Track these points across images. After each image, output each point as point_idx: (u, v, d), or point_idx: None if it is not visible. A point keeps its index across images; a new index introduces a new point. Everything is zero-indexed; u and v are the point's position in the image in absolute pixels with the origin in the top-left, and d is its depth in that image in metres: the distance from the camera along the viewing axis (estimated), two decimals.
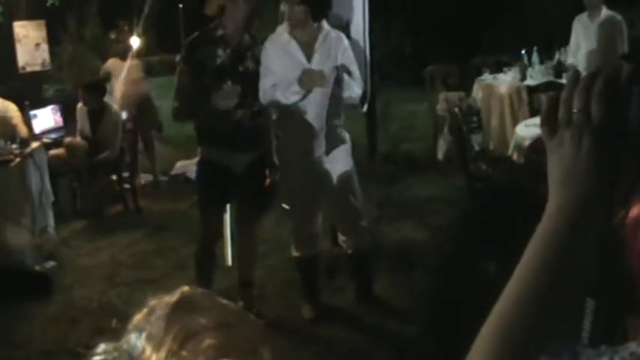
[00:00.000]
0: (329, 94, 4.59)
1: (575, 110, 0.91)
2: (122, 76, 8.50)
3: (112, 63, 8.81)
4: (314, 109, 4.56)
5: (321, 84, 4.45)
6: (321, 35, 4.60)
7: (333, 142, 4.68)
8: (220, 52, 4.47)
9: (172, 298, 0.97)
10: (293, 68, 4.48)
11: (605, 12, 8.13)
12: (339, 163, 4.74)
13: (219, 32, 4.49)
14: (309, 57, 4.56)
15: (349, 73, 4.64)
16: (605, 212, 0.93)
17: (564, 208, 0.92)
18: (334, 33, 4.71)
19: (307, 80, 4.42)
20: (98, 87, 7.71)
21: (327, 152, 4.66)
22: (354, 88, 4.68)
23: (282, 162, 4.78)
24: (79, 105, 7.56)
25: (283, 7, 4.61)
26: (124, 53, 8.80)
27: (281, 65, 4.48)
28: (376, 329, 4.79)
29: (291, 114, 4.57)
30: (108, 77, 8.55)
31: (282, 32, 4.62)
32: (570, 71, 8.21)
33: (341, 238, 5.02)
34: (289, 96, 4.47)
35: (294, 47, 4.53)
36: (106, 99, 7.70)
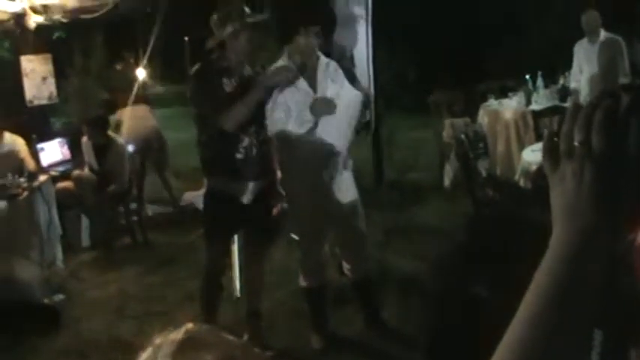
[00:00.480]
0: (355, 119, 4.62)
1: (576, 143, 0.92)
2: (129, 117, 8.61)
3: (120, 113, 8.86)
4: (332, 136, 4.57)
5: (332, 112, 4.47)
6: (320, 64, 4.64)
7: (342, 170, 4.69)
8: (226, 81, 4.48)
9: (178, 335, 0.97)
10: (300, 98, 4.50)
11: (604, 34, 8.23)
12: (345, 190, 4.74)
13: (223, 64, 4.51)
14: (313, 86, 4.58)
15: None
16: (610, 244, 0.93)
17: (568, 241, 0.92)
18: (330, 61, 4.76)
19: (319, 108, 4.44)
20: (101, 121, 7.73)
21: (336, 179, 4.66)
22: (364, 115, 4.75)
23: (289, 191, 4.78)
24: (84, 139, 7.59)
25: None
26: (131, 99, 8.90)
27: (288, 97, 4.48)
28: (384, 358, 4.76)
29: (304, 142, 4.56)
30: (119, 127, 8.57)
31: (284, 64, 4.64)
32: (574, 96, 8.26)
33: (345, 266, 5.00)
34: (302, 124, 4.48)
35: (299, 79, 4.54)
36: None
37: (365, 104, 4.66)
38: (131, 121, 8.56)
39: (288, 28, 4.59)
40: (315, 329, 4.91)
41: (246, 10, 4.47)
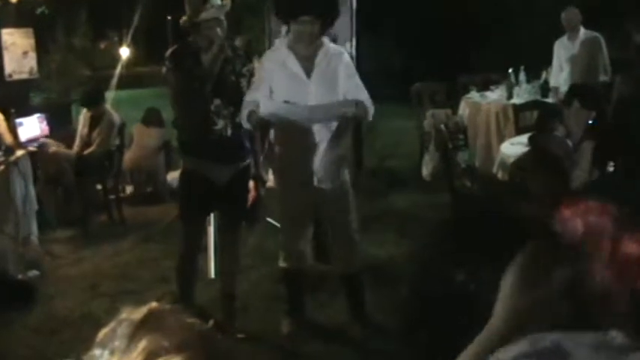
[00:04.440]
0: (341, 112, 4.49)
1: None
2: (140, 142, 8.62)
3: (137, 128, 8.80)
4: (321, 129, 4.50)
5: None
6: (321, 51, 4.51)
7: (330, 153, 4.60)
8: (200, 62, 4.47)
9: (139, 314, 0.96)
10: (292, 83, 4.44)
11: (583, 32, 8.27)
12: (337, 181, 4.67)
13: (199, 45, 4.49)
14: (308, 72, 4.48)
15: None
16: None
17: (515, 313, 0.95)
18: (334, 48, 4.65)
19: None
20: (97, 93, 7.93)
21: (324, 163, 4.57)
22: (368, 112, 4.60)
23: (278, 171, 4.76)
24: (84, 111, 7.76)
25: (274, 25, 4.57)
26: (148, 121, 8.81)
27: (278, 80, 4.45)
28: (358, 345, 4.77)
29: (295, 131, 4.48)
30: (130, 142, 8.54)
31: (280, 47, 4.59)
32: (553, 92, 8.30)
33: (334, 257, 4.95)
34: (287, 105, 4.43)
35: (293, 61, 4.47)
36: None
37: (362, 113, 4.54)
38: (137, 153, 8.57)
39: (283, 16, 4.57)
40: (289, 312, 4.88)
41: None
